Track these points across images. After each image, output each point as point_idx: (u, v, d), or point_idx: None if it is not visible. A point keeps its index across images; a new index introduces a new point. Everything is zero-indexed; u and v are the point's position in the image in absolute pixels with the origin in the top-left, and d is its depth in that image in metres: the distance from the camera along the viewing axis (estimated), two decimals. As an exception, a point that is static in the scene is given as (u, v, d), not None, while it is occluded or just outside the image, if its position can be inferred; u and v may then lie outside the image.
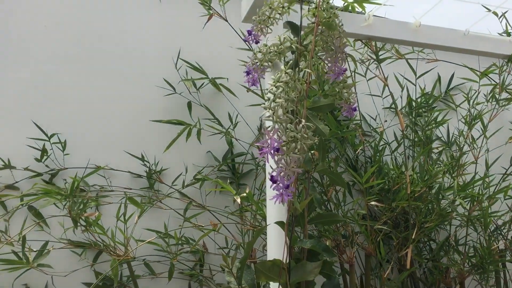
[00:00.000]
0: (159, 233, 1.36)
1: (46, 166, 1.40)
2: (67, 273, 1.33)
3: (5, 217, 1.30)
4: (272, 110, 0.77)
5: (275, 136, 0.75)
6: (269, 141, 0.74)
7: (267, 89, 0.81)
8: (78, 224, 1.21)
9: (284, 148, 0.75)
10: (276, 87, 0.80)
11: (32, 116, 1.40)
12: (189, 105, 1.55)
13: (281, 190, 0.73)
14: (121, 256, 1.26)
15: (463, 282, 1.47)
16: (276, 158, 0.74)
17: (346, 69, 0.91)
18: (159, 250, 1.38)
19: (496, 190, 1.46)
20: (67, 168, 1.41)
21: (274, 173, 0.73)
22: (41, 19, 1.48)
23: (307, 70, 0.85)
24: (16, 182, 1.36)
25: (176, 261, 1.38)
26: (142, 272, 1.41)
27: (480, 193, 1.45)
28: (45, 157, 1.38)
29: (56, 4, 1.51)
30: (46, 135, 1.37)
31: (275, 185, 0.72)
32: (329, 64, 0.91)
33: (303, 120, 0.78)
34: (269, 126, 0.76)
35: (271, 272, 0.79)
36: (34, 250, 1.26)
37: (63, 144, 1.40)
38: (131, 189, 1.45)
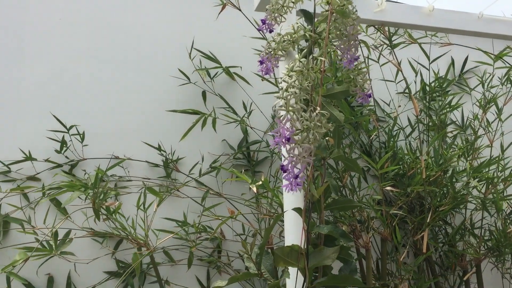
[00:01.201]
0: (179, 222, 1.39)
1: (66, 157, 1.43)
2: (89, 261, 1.37)
3: (30, 206, 1.33)
4: (284, 99, 0.78)
5: (288, 125, 0.76)
6: (281, 130, 0.75)
7: (280, 78, 0.82)
8: (100, 213, 1.24)
9: (296, 137, 0.76)
10: (289, 76, 0.81)
11: (50, 109, 1.43)
12: (204, 94, 1.57)
13: (291, 180, 0.74)
14: (141, 245, 1.29)
15: (479, 265, 1.48)
16: (287, 147, 0.75)
17: (359, 57, 0.91)
18: (178, 239, 1.41)
19: (511, 173, 1.46)
20: (86, 159, 1.44)
21: (285, 162, 0.74)
22: (56, 12, 1.50)
23: (321, 58, 0.86)
24: (37, 173, 1.39)
25: (194, 249, 1.41)
26: (161, 259, 1.44)
27: (495, 175, 1.45)
28: (64, 149, 1.41)
29: (70, -3, 1.53)
30: (65, 127, 1.40)
31: (285, 174, 0.73)
32: (342, 52, 0.92)
33: (318, 108, 0.79)
34: (281, 116, 0.77)
35: (289, 257, 0.81)
36: (58, 238, 1.29)
37: (81, 135, 1.42)
38: (149, 179, 1.47)
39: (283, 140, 0.75)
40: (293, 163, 0.75)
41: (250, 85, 1.58)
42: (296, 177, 0.74)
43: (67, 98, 1.47)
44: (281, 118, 0.77)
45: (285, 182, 0.77)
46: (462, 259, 1.49)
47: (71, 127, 1.41)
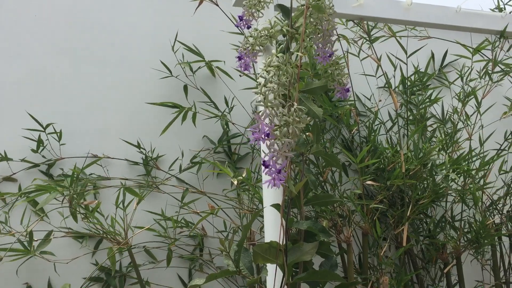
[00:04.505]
0: (158, 215, 1.37)
1: (43, 156, 1.40)
2: (69, 261, 1.35)
3: (4, 209, 1.31)
4: (263, 94, 0.78)
5: (267, 121, 0.76)
6: (260, 126, 0.74)
7: (258, 74, 0.82)
8: (78, 212, 1.22)
9: (276, 132, 0.76)
10: (267, 71, 0.80)
11: (26, 107, 1.40)
12: (185, 88, 1.55)
13: (273, 175, 0.74)
14: (120, 243, 1.28)
15: (460, 257, 1.49)
16: (268, 143, 0.74)
17: (333, 53, 0.91)
18: (158, 236, 1.40)
19: (485, 162, 1.47)
20: (63, 158, 1.42)
21: (266, 158, 0.74)
22: (31, 8, 1.47)
23: (298, 53, 0.85)
24: (14, 173, 1.37)
25: (175, 246, 1.40)
26: (142, 260, 1.43)
27: (474, 167, 1.46)
28: (41, 148, 1.39)
29: (45, -7, 1.50)
30: (41, 125, 1.37)
31: (267, 169, 0.73)
32: (318, 47, 0.91)
33: (296, 104, 0.79)
34: (260, 111, 0.77)
35: (268, 254, 0.80)
36: (36, 239, 1.27)
37: (58, 134, 1.40)
38: (127, 179, 1.45)
39: (263, 135, 0.75)
40: (274, 158, 0.74)
41: (233, 80, 1.57)
42: (279, 171, 0.74)
43: (43, 96, 1.44)
44: (260, 113, 0.77)
45: (265, 177, 0.76)
46: (443, 252, 1.50)
47: (48, 125, 1.38)
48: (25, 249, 1.23)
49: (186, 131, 1.52)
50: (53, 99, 1.45)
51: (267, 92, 0.77)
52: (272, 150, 0.74)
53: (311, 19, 0.89)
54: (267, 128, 0.74)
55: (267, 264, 0.87)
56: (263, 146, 0.79)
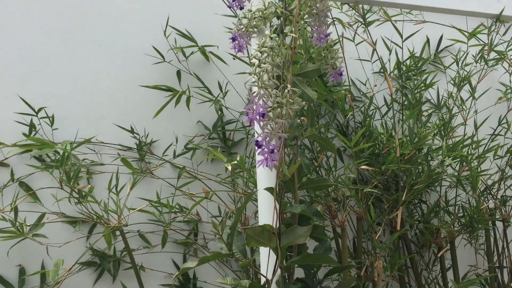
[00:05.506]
0: (152, 202, 1.37)
1: (35, 141, 1.39)
2: (62, 244, 1.34)
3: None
4: (257, 75, 0.77)
5: (261, 102, 0.75)
6: (254, 106, 0.74)
7: (251, 55, 0.81)
8: (71, 196, 1.21)
9: (270, 113, 0.75)
10: (260, 52, 0.80)
11: (18, 91, 1.38)
12: (179, 73, 1.54)
13: (266, 155, 0.73)
14: (114, 226, 1.27)
15: (453, 242, 1.50)
16: (261, 123, 0.74)
17: (329, 34, 0.90)
18: (152, 220, 1.39)
19: (484, 150, 1.47)
20: (56, 143, 1.40)
21: (259, 138, 0.73)
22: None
23: (292, 35, 0.84)
24: (6, 158, 1.35)
25: (170, 230, 1.40)
26: (137, 244, 1.42)
27: (470, 153, 1.46)
28: (33, 132, 1.37)
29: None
30: (33, 109, 1.36)
31: (260, 150, 0.73)
32: (313, 29, 0.91)
33: (289, 85, 0.78)
34: (254, 92, 0.76)
35: (261, 237, 0.80)
36: (28, 224, 1.26)
37: (51, 118, 1.38)
38: (125, 150, 1.44)
39: (258, 116, 0.74)
40: (268, 138, 0.74)
41: (227, 64, 1.55)
42: (272, 151, 0.74)
43: (35, 80, 1.42)
44: (254, 94, 0.76)
45: (258, 158, 0.76)
46: (437, 236, 1.50)
47: (40, 109, 1.37)
48: (17, 231, 1.22)
49: (180, 116, 1.51)
50: (45, 83, 1.42)
51: (261, 73, 0.77)
52: (265, 130, 0.74)
53: (306, 1, 0.88)
54: (261, 109, 0.74)
55: (260, 247, 0.87)
56: (257, 127, 0.78)
